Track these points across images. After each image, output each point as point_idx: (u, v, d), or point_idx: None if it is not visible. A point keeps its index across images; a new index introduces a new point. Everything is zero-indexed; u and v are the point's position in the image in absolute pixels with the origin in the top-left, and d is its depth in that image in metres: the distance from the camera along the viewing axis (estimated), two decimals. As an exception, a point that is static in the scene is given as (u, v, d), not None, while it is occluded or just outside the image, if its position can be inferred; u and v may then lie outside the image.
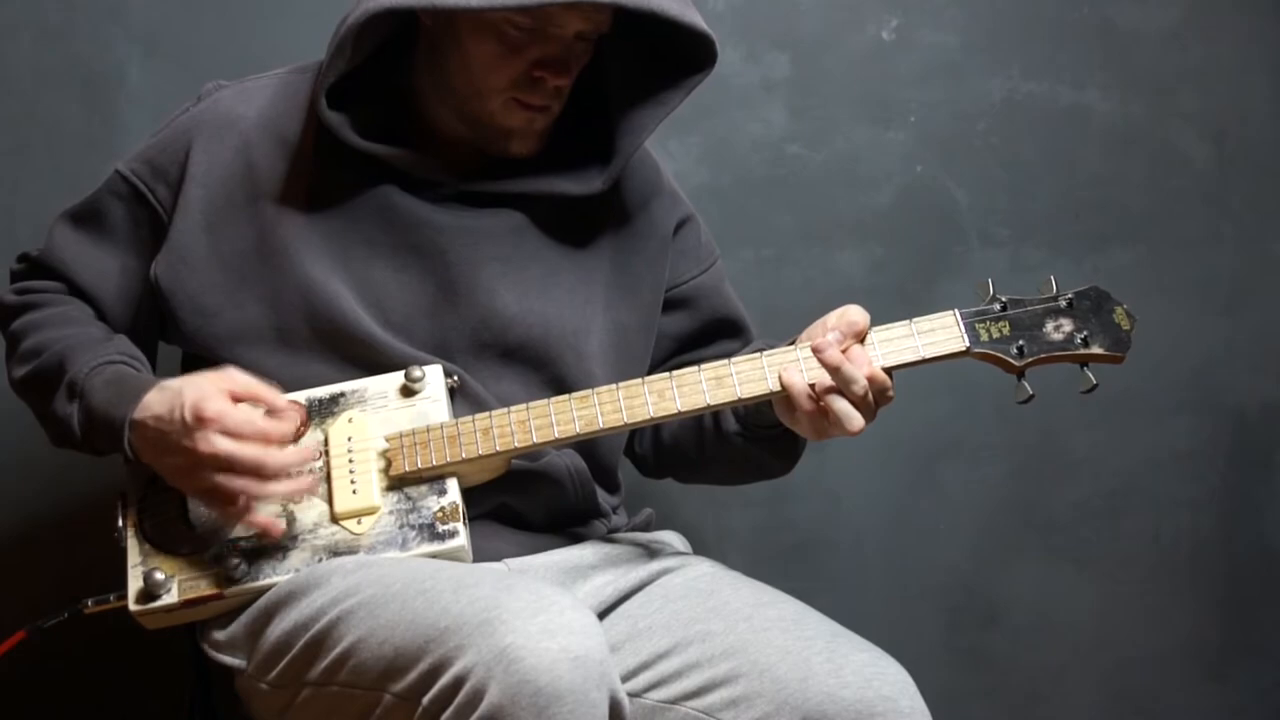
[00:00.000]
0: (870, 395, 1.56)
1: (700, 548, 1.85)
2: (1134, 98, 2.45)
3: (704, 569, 1.71)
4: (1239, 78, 2.48)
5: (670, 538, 1.83)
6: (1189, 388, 2.49)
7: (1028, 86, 2.43)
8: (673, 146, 2.35)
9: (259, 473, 1.55)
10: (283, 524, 1.60)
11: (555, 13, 1.61)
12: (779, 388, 1.59)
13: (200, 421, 1.54)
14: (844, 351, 1.57)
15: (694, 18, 1.66)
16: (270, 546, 1.60)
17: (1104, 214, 2.45)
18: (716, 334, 1.87)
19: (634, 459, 1.92)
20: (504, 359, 1.72)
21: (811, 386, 1.57)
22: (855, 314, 1.60)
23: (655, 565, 1.71)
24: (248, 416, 1.56)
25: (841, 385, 1.55)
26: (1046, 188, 2.44)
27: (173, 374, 1.79)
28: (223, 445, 1.54)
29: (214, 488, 1.56)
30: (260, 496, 1.56)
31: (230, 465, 1.55)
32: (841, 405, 1.56)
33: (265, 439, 1.56)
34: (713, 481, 1.92)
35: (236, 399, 1.57)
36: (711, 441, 1.80)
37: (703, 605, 1.61)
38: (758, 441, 1.75)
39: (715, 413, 1.76)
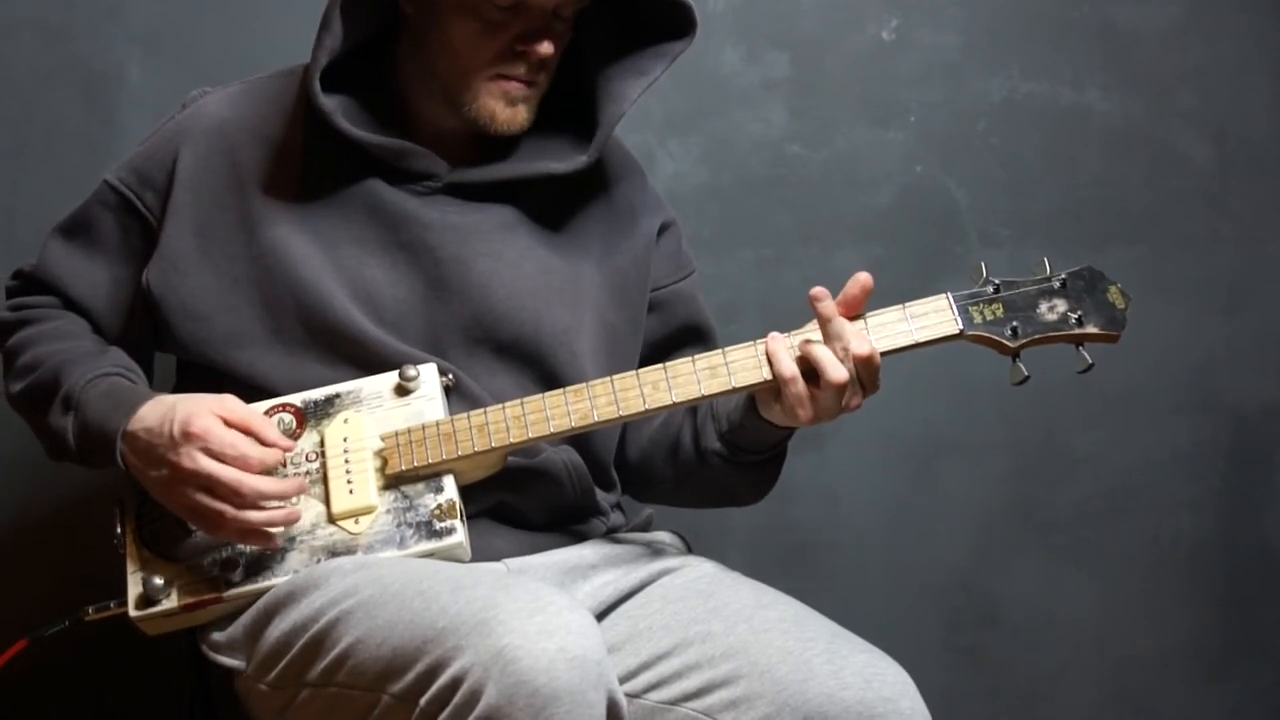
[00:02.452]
0: (854, 366, 1.56)
1: (700, 548, 1.84)
2: (1134, 98, 2.45)
3: (704, 569, 1.71)
4: (1239, 78, 2.48)
5: (669, 538, 1.83)
6: (1189, 388, 2.49)
7: (1028, 86, 2.43)
8: (673, 146, 2.35)
9: (235, 497, 1.55)
10: (279, 540, 1.60)
11: None
12: (773, 376, 1.59)
13: (186, 437, 1.55)
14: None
15: None
16: (268, 549, 1.60)
17: (1104, 214, 2.45)
18: (685, 341, 1.87)
19: None
20: (497, 355, 1.72)
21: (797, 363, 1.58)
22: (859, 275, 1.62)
23: (655, 565, 1.70)
24: (231, 440, 1.56)
25: (828, 339, 1.57)
26: (1046, 188, 2.44)
27: (168, 382, 1.79)
28: (204, 464, 1.55)
29: (194, 505, 1.57)
30: (236, 522, 1.56)
31: (209, 485, 1.55)
32: (827, 375, 1.56)
33: (245, 464, 1.56)
34: (670, 503, 1.91)
35: (228, 424, 1.57)
36: (687, 461, 1.80)
37: (703, 606, 1.61)
38: (739, 466, 1.75)
39: (695, 432, 1.78)
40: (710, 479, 1.79)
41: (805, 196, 2.39)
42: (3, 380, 1.80)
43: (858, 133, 2.40)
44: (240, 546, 1.61)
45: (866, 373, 1.57)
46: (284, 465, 1.64)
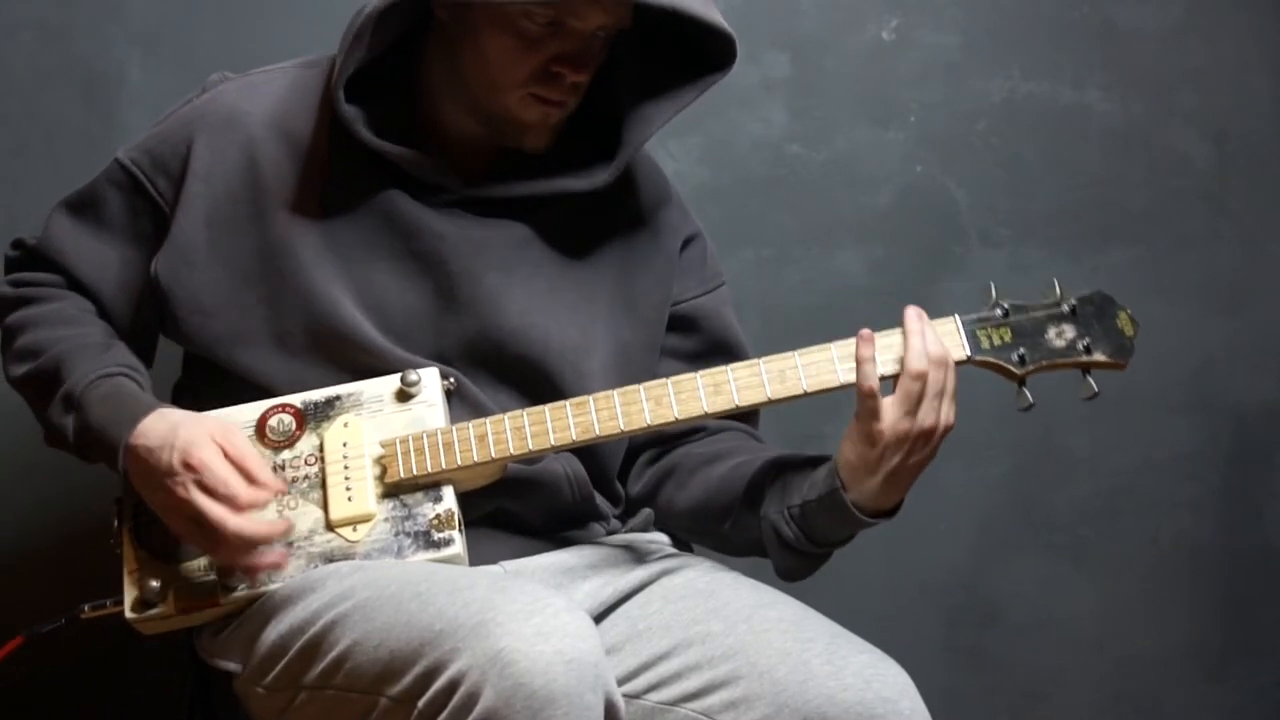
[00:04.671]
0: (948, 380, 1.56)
1: (700, 547, 1.84)
2: (1134, 98, 2.45)
3: (704, 569, 1.70)
4: (1239, 78, 2.48)
5: (669, 538, 1.82)
6: (1189, 388, 2.49)
7: (1028, 86, 2.43)
8: (673, 146, 2.34)
9: (220, 533, 1.54)
10: (264, 578, 1.59)
11: (576, 6, 1.59)
12: (778, 396, 1.59)
13: (185, 466, 1.54)
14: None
15: (715, 16, 1.65)
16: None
17: (1104, 214, 2.45)
18: (713, 356, 1.82)
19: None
20: (502, 370, 1.70)
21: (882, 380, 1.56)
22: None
23: (654, 566, 1.70)
24: (224, 478, 1.55)
25: (911, 354, 1.55)
26: (1046, 188, 2.44)
27: (173, 369, 1.79)
28: (195, 497, 1.54)
29: (187, 532, 1.57)
30: (224, 558, 1.56)
31: (196, 519, 1.54)
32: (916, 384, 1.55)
33: (233, 503, 1.54)
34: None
35: (225, 455, 1.56)
36: (745, 536, 1.72)
37: (702, 606, 1.61)
38: (813, 558, 1.69)
39: (774, 525, 1.67)
40: (759, 549, 1.73)
41: (805, 196, 2.39)
42: (2, 359, 1.77)
43: (858, 133, 2.40)
44: (238, 552, 1.61)
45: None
46: (283, 494, 1.63)
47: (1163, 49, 2.46)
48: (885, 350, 1.57)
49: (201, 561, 1.61)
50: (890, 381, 1.57)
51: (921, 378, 1.55)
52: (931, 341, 1.56)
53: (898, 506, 1.63)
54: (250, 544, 1.55)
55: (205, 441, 1.56)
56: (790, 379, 1.59)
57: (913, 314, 1.58)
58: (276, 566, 1.59)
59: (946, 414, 1.57)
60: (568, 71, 1.62)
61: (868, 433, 1.55)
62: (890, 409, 1.55)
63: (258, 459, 1.59)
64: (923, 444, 1.56)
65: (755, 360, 1.60)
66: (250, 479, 1.57)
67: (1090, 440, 2.47)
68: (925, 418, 1.55)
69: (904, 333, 1.57)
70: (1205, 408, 2.50)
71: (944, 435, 1.58)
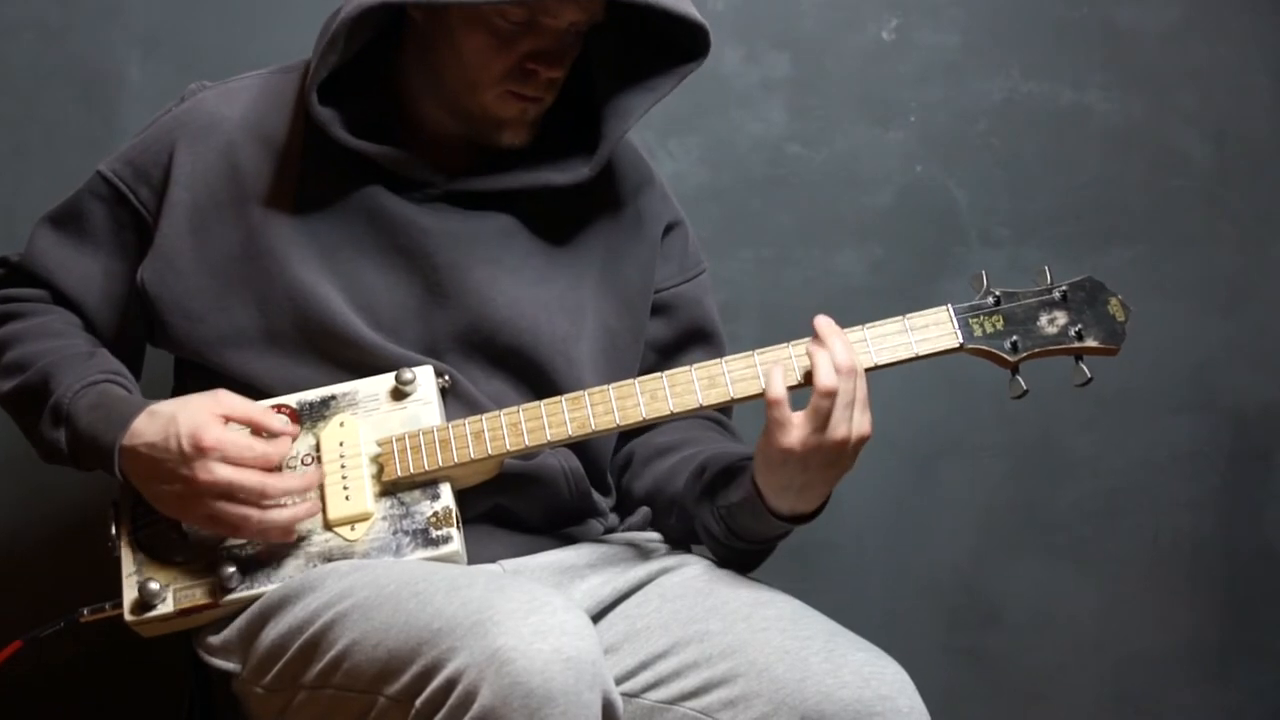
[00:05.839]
0: (858, 389, 1.54)
1: (698, 546, 1.84)
2: (1134, 98, 2.45)
3: (702, 568, 1.70)
4: (1239, 78, 2.48)
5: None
6: (1189, 388, 2.49)
7: (1028, 86, 2.43)
8: (673, 146, 2.35)
9: (261, 499, 1.55)
10: (293, 535, 1.60)
11: (549, 4, 1.60)
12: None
13: (199, 450, 1.54)
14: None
15: (687, 8, 1.66)
16: (264, 554, 1.60)
17: (1104, 214, 2.45)
18: (689, 344, 1.85)
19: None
20: (493, 361, 1.71)
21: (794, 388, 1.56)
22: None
23: (653, 565, 1.70)
24: (247, 443, 1.56)
25: (818, 366, 1.53)
26: (1046, 188, 2.44)
27: (165, 375, 1.79)
28: (224, 474, 1.54)
29: (214, 515, 1.56)
30: (263, 523, 1.56)
31: (232, 493, 1.55)
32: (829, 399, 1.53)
33: (266, 464, 1.56)
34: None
35: (230, 419, 1.58)
36: (686, 527, 1.74)
37: (701, 605, 1.61)
38: (752, 553, 1.70)
39: (704, 524, 1.69)
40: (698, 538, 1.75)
41: (805, 196, 2.39)
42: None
43: (858, 133, 2.40)
44: (236, 551, 1.61)
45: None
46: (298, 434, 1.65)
47: (1163, 49, 2.46)
48: (799, 359, 1.57)
49: (200, 564, 1.61)
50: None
51: (831, 394, 1.52)
52: (840, 353, 1.54)
53: (821, 508, 1.62)
54: (289, 499, 1.57)
55: (209, 420, 1.56)
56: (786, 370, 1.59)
57: (823, 326, 1.57)
58: (314, 512, 1.59)
59: (859, 424, 1.54)
60: (542, 68, 1.64)
61: (777, 449, 1.54)
62: (799, 425, 1.53)
63: (261, 409, 1.61)
64: (835, 456, 1.54)
65: (750, 352, 1.60)
66: (268, 433, 1.59)
67: (1090, 440, 2.47)
68: (836, 430, 1.53)
69: (811, 348, 1.56)
70: (1205, 408, 2.50)
71: (859, 445, 1.55)
